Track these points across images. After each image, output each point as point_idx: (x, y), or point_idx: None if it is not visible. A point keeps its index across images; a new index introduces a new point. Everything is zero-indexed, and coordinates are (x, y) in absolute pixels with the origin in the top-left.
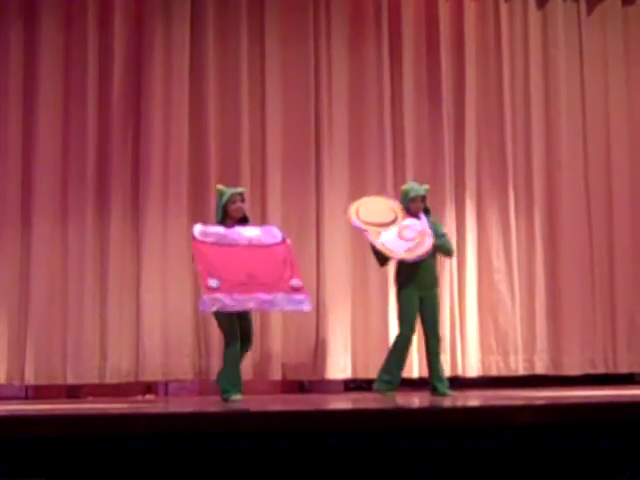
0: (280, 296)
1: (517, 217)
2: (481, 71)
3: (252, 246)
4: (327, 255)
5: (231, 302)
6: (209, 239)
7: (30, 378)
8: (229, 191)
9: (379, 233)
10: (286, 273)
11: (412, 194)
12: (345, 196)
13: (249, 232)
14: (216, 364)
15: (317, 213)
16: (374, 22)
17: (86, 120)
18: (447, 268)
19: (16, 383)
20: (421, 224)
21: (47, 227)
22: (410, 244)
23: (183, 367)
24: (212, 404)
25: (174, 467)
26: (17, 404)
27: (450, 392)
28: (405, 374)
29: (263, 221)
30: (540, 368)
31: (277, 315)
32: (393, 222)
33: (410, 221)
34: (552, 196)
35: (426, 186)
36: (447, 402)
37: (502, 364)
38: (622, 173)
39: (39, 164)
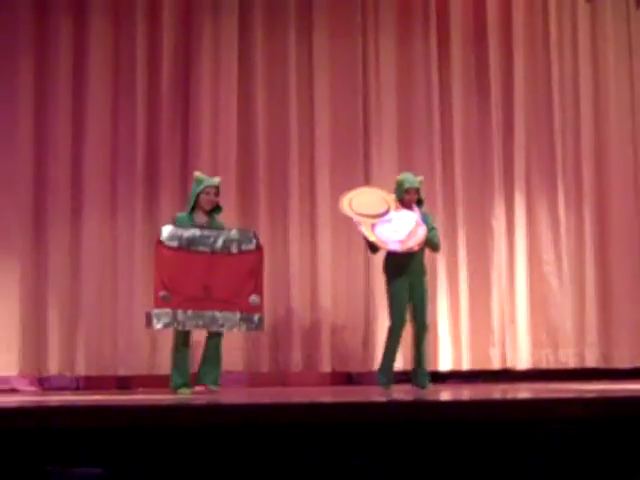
0: (233, 316)
1: (567, 210)
2: (530, 64)
3: (219, 253)
4: None
5: (178, 318)
6: (174, 243)
7: (81, 369)
8: (205, 181)
9: (372, 225)
10: (248, 287)
11: (406, 185)
12: (394, 190)
13: (224, 235)
14: (266, 356)
15: None
16: (422, 15)
17: (135, 115)
18: (497, 261)
19: (67, 374)
20: (413, 216)
21: (97, 218)
22: (402, 235)
23: (233, 359)
24: (262, 395)
25: (224, 458)
26: (69, 395)
27: (430, 385)
28: (454, 367)
29: (312, 215)
30: (590, 361)
31: (326, 307)
32: (386, 213)
33: (403, 213)
34: (601, 189)
35: (420, 177)
36: (496, 394)
37: (552, 357)
38: None
39: (89, 159)
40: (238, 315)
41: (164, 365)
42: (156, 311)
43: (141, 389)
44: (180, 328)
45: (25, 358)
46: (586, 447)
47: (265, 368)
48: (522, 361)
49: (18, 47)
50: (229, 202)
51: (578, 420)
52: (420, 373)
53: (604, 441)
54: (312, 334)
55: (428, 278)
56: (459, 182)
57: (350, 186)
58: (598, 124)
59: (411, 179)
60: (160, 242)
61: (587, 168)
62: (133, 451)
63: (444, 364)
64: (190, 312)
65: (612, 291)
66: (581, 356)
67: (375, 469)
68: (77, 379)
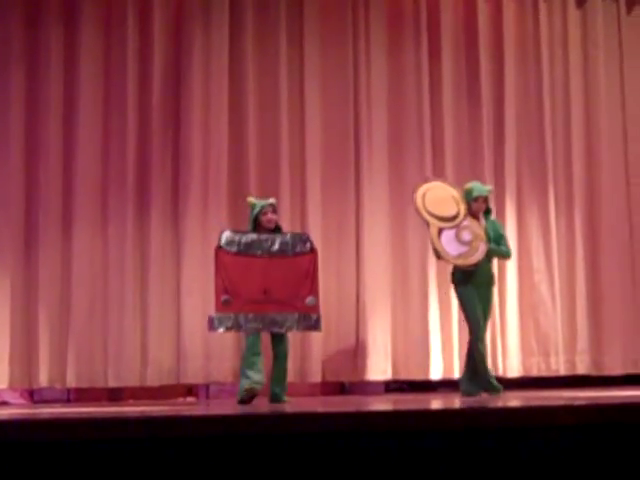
0: (292, 316)
1: (557, 217)
2: (520, 71)
3: (276, 256)
4: (367, 256)
5: (240, 322)
6: (233, 248)
7: (72, 381)
8: (260, 203)
9: (440, 229)
10: (304, 289)
11: (475, 194)
12: (384, 199)
13: (279, 238)
14: None
15: (357, 215)
16: (413, 24)
17: (126, 126)
18: None
19: (58, 386)
20: (479, 228)
21: (88, 231)
22: (464, 249)
23: (224, 370)
24: (252, 406)
25: (215, 469)
26: (59, 407)
27: (501, 388)
28: (446, 376)
29: (303, 224)
30: (581, 369)
31: None
32: (455, 217)
33: (470, 222)
34: (592, 196)
35: (489, 187)
36: (488, 403)
37: (543, 365)
38: None
39: (79, 170)
40: (296, 315)
41: (155, 376)
42: (218, 315)
43: (132, 401)
44: (242, 331)
45: (15, 371)
46: (577, 454)
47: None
48: (513, 369)
49: (9, 60)
50: (220, 212)
51: (569, 427)
52: (472, 379)
53: (595, 448)
54: (302, 344)
55: (495, 288)
56: None
57: (341, 194)
58: (589, 132)
59: (480, 188)
60: (220, 248)
61: (578, 176)
62: (124, 463)
63: (435, 373)
64: (251, 315)
65: (603, 298)
66: (572, 363)
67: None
68: (68, 391)
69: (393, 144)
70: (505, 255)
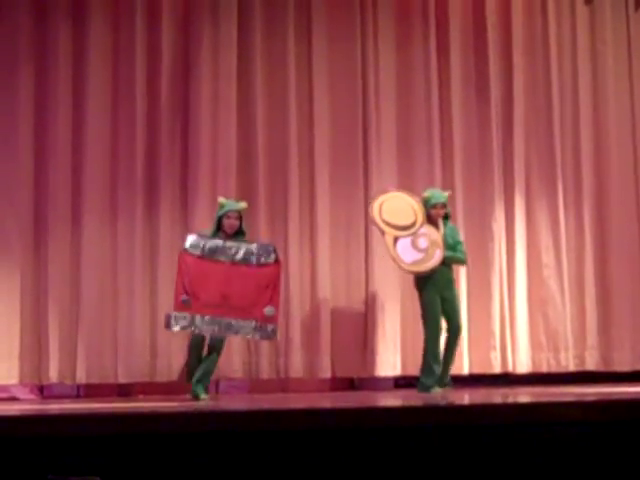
0: (248, 324)
1: (566, 212)
2: (529, 67)
3: (239, 264)
4: (376, 251)
5: (196, 323)
6: (197, 252)
7: (82, 377)
8: (227, 206)
9: (396, 238)
10: (264, 298)
11: (433, 201)
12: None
13: (244, 247)
14: (266, 362)
15: (366, 209)
16: (421, 18)
17: (135, 120)
18: (497, 264)
19: (68, 382)
20: (436, 236)
21: (97, 226)
22: (420, 256)
23: (233, 365)
24: (263, 402)
25: (225, 465)
26: (69, 403)
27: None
28: (455, 371)
29: (311, 220)
30: (590, 364)
31: (326, 313)
32: (411, 226)
33: (427, 229)
34: (601, 191)
35: (447, 193)
36: (497, 399)
37: (552, 360)
38: None
39: (88, 164)
40: (253, 324)
41: (164, 372)
42: (176, 314)
43: (141, 396)
44: (197, 332)
45: (25, 366)
46: (585, 450)
47: (265, 374)
48: (522, 365)
49: (18, 56)
50: None
51: (578, 423)
52: (445, 377)
53: (603, 444)
54: (312, 340)
55: (457, 288)
56: (459, 185)
57: (349, 189)
58: (597, 126)
59: (437, 194)
60: (184, 250)
61: (586, 170)
62: (133, 459)
63: None
64: (208, 317)
65: (612, 294)
66: (581, 359)
67: (376, 475)
68: (77, 387)
69: (402, 141)
70: (460, 261)
